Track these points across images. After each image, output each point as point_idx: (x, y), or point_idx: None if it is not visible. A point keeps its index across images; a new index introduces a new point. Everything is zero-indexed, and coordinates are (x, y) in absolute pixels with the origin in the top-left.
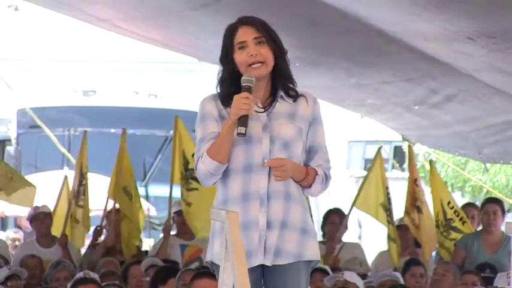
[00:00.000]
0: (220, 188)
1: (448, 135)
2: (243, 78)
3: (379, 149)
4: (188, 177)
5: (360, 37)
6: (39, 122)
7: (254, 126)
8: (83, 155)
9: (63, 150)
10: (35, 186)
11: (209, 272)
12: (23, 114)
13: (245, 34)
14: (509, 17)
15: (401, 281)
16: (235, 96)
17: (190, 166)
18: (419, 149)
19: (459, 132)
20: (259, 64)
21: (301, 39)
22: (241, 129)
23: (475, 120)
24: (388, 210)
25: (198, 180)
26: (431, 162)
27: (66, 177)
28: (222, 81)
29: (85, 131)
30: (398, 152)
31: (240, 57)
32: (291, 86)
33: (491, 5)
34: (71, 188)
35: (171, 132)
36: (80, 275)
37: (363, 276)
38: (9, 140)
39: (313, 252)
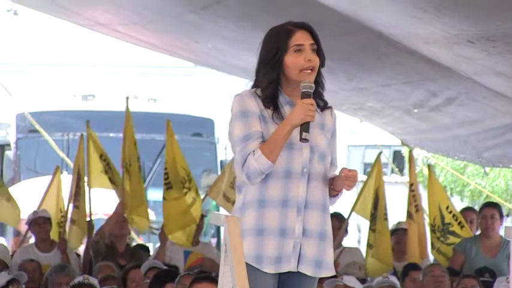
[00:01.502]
0: (256, 188)
1: (448, 139)
2: (304, 84)
3: (379, 154)
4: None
5: (360, 39)
6: (38, 127)
7: (296, 134)
8: (79, 158)
9: (62, 154)
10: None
11: (209, 276)
12: (22, 118)
13: (303, 38)
14: (509, 20)
15: (399, 286)
16: (301, 102)
17: (181, 175)
18: (418, 154)
19: (458, 136)
20: (310, 71)
21: None
22: (306, 135)
23: (474, 123)
24: (372, 215)
25: (173, 189)
26: (429, 166)
27: (60, 181)
28: (269, 82)
29: (82, 134)
30: (397, 157)
31: (295, 60)
32: (323, 96)
33: (491, 8)
34: (68, 191)
35: None
36: (78, 279)
37: (362, 280)
38: (8, 145)
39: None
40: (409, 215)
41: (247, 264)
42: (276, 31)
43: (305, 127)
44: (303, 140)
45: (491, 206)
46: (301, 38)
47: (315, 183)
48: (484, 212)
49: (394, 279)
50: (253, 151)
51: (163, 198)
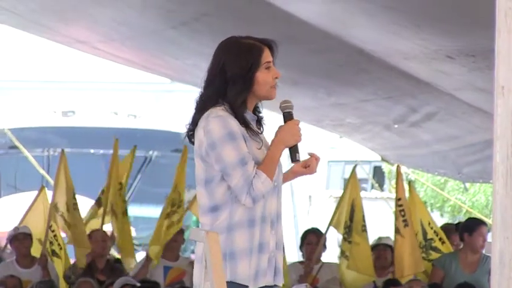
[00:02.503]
0: (244, 208)
1: (427, 154)
2: (285, 104)
3: (355, 167)
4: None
5: (340, 55)
6: (17, 143)
7: (262, 151)
8: (61, 174)
9: (42, 171)
10: None
11: None
12: (1, 135)
13: (269, 55)
14: (488, 35)
15: None
16: (292, 123)
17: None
18: None
19: (438, 152)
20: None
21: (280, 57)
22: (299, 156)
23: (454, 139)
24: (347, 227)
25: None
26: (410, 182)
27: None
28: (243, 101)
29: (62, 150)
30: (377, 172)
31: (265, 77)
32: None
33: (471, 24)
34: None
35: (150, 152)
36: None
37: None
38: None
39: None
40: (397, 230)
41: (241, 285)
42: (247, 47)
43: (296, 148)
44: (297, 161)
45: (486, 224)
46: (268, 55)
47: (280, 195)
48: (480, 230)
49: None
50: (256, 174)
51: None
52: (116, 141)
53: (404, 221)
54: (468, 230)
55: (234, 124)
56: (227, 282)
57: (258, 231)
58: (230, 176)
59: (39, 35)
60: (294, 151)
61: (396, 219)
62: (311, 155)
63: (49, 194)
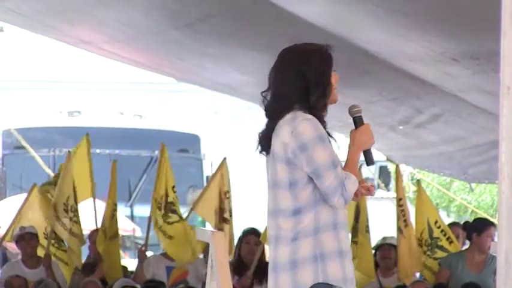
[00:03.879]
0: (330, 210)
1: (433, 155)
2: (355, 108)
3: (360, 167)
4: (168, 210)
5: (344, 56)
6: (24, 143)
7: (337, 153)
8: (68, 175)
9: (48, 170)
10: None
11: None
12: (8, 135)
13: None
14: (492, 38)
15: None
16: (366, 127)
17: (169, 199)
18: (404, 169)
19: (444, 153)
20: None
21: None
22: (373, 159)
23: (459, 140)
24: (353, 227)
25: (176, 213)
26: (418, 181)
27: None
28: (324, 104)
29: (69, 151)
30: (383, 172)
31: (334, 81)
32: None
33: (475, 26)
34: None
35: (156, 152)
36: None
37: None
38: None
39: None
40: (399, 230)
41: (334, 287)
42: (325, 54)
43: (370, 151)
44: (372, 163)
45: (494, 225)
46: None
47: None
48: (489, 231)
49: None
50: (346, 176)
51: (176, 221)
52: (163, 147)
53: (405, 221)
54: (477, 230)
55: (321, 127)
56: (318, 283)
57: (341, 234)
58: (322, 177)
59: (45, 35)
60: (369, 154)
61: (398, 219)
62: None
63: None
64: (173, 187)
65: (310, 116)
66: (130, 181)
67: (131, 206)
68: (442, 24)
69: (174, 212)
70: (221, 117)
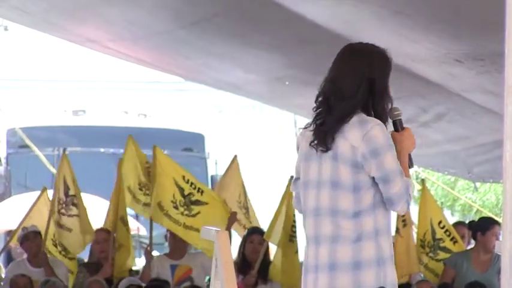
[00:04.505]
0: (385, 214)
1: (438, 154)
2: (396, 112)
3: None
4: (188, 203)
5: None
6: (28, 142)
7: None
8: (64, 173)
9: (53, 169)
10: None
11: None
12: (12, 134)
13: None
14: (496, 39)
15: None
16: (409, 131)
17: (186, 192)
18: None
19: (448, 152)
20: None
21: (290, 57)
22: (412, 163)
23: (464, 139)
24: None
25: (199, 203)
26: (423, 181)
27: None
28: (388, 109)
29: (64, 150)
30: None
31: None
32: None
33: (479, 28)
34: (51, 204)
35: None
36: None
37: None
38: None
39: None
40: (397, 230)
41: None
42: (385, 57)
43: (410, 155)
44: (412, 166)
45: (498, 224)
46: None
47: None
48: (494, 229)
49: None
50: (409, 183)
51: (199, 212)
52: (155, 149)
53: (404, 220)
54: (481, 229)
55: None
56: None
57: (391, 239)
58: (391, 183)
59: (50, 33)
60: (410, 158)
61: (397, 218)
62: None
63: None
64: (184, 177)
65: (379, 121)
66: None
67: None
68: (446, 25)
69: (196, 202)
70: (226, 116)
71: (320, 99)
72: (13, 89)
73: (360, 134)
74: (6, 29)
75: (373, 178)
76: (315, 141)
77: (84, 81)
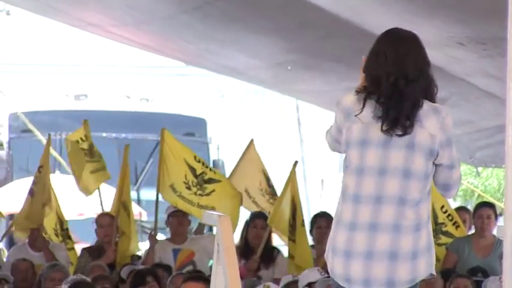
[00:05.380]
0: (429, 203)
1: None
2: None
3: (295, 164)
4: (201, 183)
5: (352, 41)
6: (30, 126)
7: None
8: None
9: (55, 154)
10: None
11: (201, 276)
12: (14, 118)
13: None
14: (498, 24)
15: None
16: None
17: (198, 172)
18: None
19: None
20: None
21: (292, 42)
22: None
23: (467, 124)
24: (290, 225)
25: (212, 181)
26: None
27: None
28: None
29: (49, 135)
30: None
31: None
32: None
33: (481, 12)
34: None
35: None
36: (76, 278)
37: None
38: (1, 145)
39: None
40: None
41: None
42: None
43: None
44: None
45: (488, 206)
46: None
47: None
48: (480, 211)
49: None
50: None
51: (213, 190)
52: (163, 132)
53: None
54: (473, 213)
55: None
56: (430, 274)
57: None
58: (454, 169)
59: (52, 18)
60: None
61: None
62: None
63: (62, 177)
64: (195, 157)
65: (447, 109)
66: (137, 165)
67: (138, 190)
68: (449, 9)
69: (210, 181)
70: (228, 101)
71: (384, 81)
72: (15, 73)
73: (437, 122)
74: (8, 13)
75: (435, 165)
76: (389, 126)
77: (86, 65)
